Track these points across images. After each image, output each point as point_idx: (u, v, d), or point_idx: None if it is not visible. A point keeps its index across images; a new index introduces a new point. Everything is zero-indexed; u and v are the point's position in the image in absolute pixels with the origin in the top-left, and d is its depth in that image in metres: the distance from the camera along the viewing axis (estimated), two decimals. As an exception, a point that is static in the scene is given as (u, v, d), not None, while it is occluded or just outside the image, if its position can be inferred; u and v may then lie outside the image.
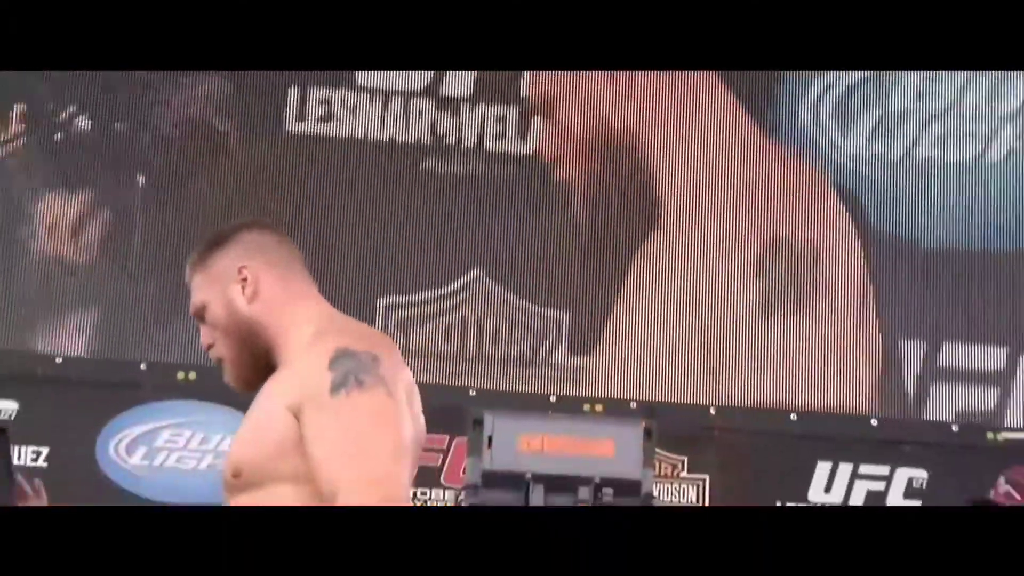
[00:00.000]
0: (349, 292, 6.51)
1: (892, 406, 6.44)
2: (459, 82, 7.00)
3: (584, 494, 3.17)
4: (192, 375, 5.84)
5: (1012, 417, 6.41)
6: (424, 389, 6.03)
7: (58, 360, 5.99)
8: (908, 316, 6.58)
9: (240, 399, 5.96)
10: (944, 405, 6.54)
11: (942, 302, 6.67)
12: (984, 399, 6.49)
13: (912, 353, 6.54)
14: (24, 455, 5.61)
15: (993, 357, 6.59)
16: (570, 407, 5.68)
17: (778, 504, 5.74)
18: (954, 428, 6.00)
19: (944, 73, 6.93)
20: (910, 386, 6.53)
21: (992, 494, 5.01)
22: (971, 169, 6.81)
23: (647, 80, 7.03)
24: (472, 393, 5.79)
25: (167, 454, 5.70)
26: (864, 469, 5.74)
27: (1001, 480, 5.02)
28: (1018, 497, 4.91)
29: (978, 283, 6.65)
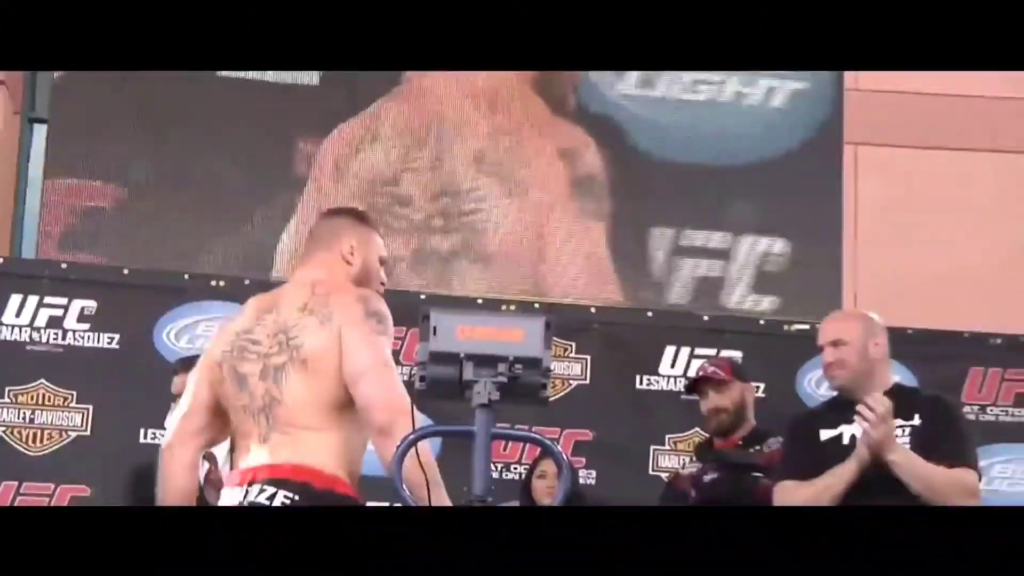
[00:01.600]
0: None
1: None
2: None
3: (502, 367, 3.19)
4: (223, 283, 5.87)
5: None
6: (389, 294, 6.07)
7: (125, 271, 5.99)
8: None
9: (247, 298, 5.95)
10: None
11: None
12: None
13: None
14: (102, 339, 5.62)
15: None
16: (492, 307, 5.73)
17: (641, 385, 5.79)
18: (761, 322, 6.08)
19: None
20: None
21: (700, 372, 4.96)
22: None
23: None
24: (422, 296, 5.83)
25: (204, 340, 5.71)
26: (698, 351, 5.81)
27: (705, 363, 5.02)
28: (723, 374, 4.87)
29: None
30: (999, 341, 5.96)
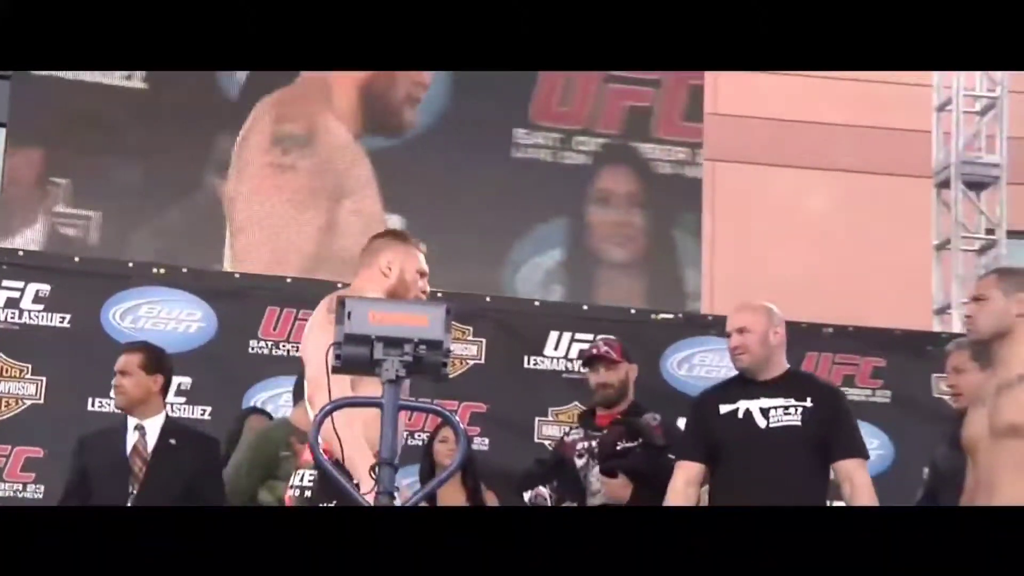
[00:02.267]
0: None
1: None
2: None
3: (408, 348, 3.17)
4: (163, 271, 5.79)
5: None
6: (309, 284, 5.91)
7: (76, 259, 5.88)
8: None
9: (187, 284, 5.90)
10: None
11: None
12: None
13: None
14: (54, 319, 5.51)
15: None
16: (400, 295, 5.68)
17: (528, 364, 5.77)
18: (632, 311, 6.10)
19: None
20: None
21: (595, 351, 4.92)
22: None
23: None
24: (339, 286, 5.75)
25: (144, 320, 5.61)
26: (578, 336, 5.80)
27: (600, 342, 4.97)
28: (614, 355, 4.85)
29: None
30: (830, 330, 6.04)
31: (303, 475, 3.43)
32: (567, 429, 5.29)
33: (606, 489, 4.61)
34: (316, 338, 3.49)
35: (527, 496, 4.73)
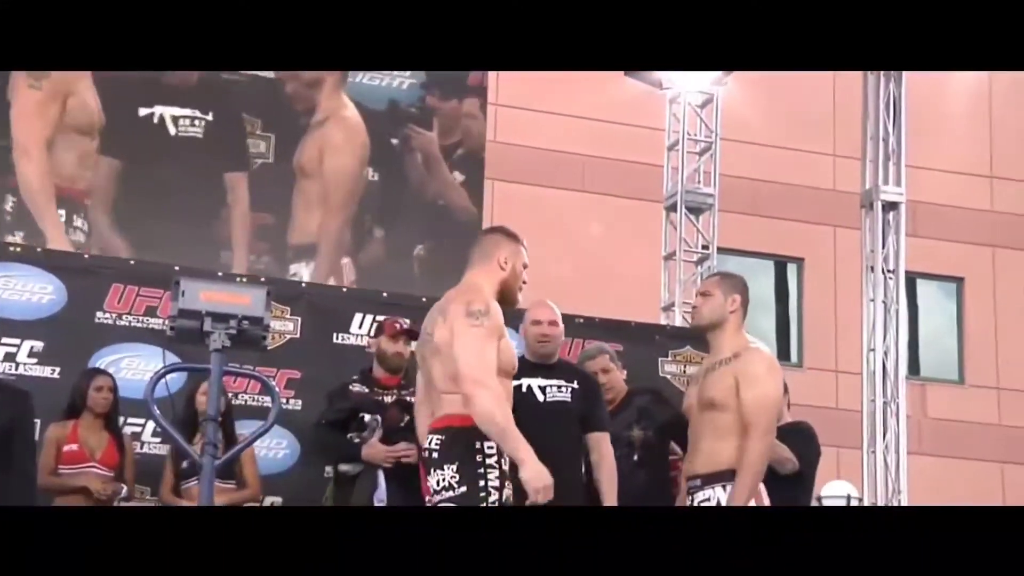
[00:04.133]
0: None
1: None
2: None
3: (233, 323, 3.04)
4: (19, 249, 5.47)
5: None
6: (149, 265, 5.59)
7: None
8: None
9: (41, 261, 5.53)
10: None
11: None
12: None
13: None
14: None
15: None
16: (228, 278, 5.48)
17: (337, 340, 5.58)
18: (423, 299, 5.98)
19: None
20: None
21: (399, 325, 4.86)
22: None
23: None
24: (176, 268, 5.50)
25: (2, 290, 5.25)
26: (379, 317, 5.66)
27: (400, 320, 4.89)
28: (398, 326, 4.81)
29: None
30: (581, 320, 6.13)
31: (431, 440, 3.44)
32: (354, 379, 5.09)
33: (405, 452, 4.54)
34: (462, 335, 3.46)
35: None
